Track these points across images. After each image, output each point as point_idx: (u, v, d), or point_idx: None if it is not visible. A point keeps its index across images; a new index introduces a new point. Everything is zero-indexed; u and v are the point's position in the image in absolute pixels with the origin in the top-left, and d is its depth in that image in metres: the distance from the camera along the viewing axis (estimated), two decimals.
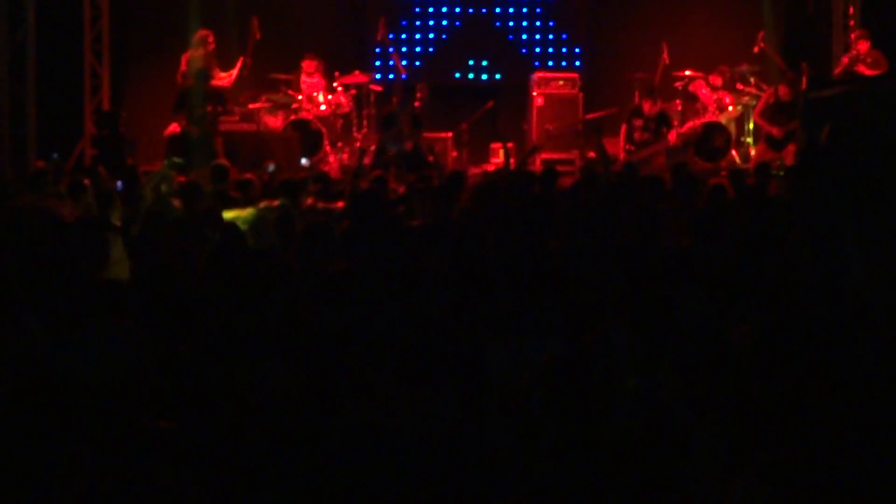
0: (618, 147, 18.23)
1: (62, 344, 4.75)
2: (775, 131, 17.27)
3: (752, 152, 18.04)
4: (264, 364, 5.83)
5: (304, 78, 18.40)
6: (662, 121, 18.12)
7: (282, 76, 18.52)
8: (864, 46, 17.70)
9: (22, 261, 6.94)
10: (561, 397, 5.05)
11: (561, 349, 5.89)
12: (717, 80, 18.50)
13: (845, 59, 18.01)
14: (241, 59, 18.03)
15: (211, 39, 17.87)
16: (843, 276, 6.87)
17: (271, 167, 16.17)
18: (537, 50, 20.85)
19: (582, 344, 6.03)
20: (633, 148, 17.93)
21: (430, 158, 17.22)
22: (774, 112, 17.39)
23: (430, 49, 20.74)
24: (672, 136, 17.94)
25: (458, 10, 20.70)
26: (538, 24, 20.87)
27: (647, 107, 18.05)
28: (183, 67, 17.71)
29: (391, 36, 19.57)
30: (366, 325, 6.52)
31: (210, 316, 6.41)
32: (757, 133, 18.25)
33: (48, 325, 5.87)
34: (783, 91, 17.35)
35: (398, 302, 6.99)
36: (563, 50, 20.84)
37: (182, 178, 13.93)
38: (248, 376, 5.62)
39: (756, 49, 18.72)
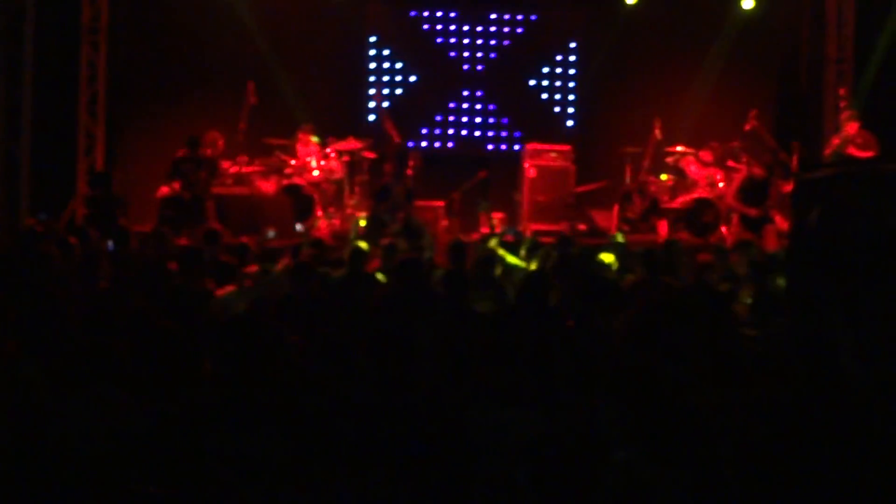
0: (610, 222, 18.41)
1: (58, 409, 4.75)
2: (752, 212, 17.30)
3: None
4: (256, 430, 5.82)
5: (299, 146, 18.49)
6: (654, 209, 18.27)
7: (276, 141, 18.59)
8: (852, 128, 17.79)
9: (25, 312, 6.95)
10: (549, 472, 5.05)
11: (546, 422, 5.89)
12: (708, 157, 18.58)
13: (836, 140, 18.11)
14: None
15: (221, 144, 17.96)
16: (833, 356, 6.89)
17: (271, 234, 16.18)
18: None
19: (569, 417, 6.02)
20: (627, 228, 18.02)
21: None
22: (749, 192, 17.40)
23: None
24: (663, 230, 18.05)
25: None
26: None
27: (637, 198, 18.29)
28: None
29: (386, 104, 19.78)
30: (353, 394, 6.52)
31: (204, 381, 6.41)
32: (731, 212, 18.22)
33: (49, 378, 5.85)
34: (757, 171, 17.42)
35: (383, 371, 6.98)
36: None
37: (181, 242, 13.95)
38: (239, 442, 5.62)
39: (747, 127, 18.80)
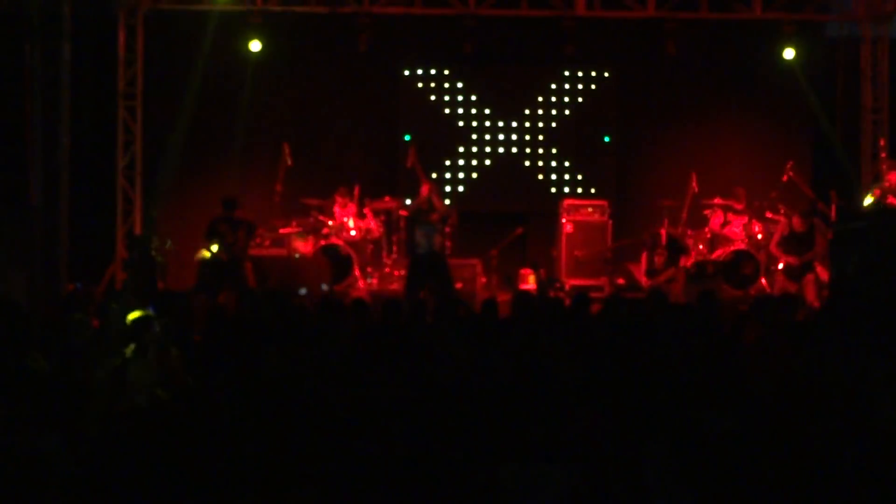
0: (640, 273, 18.41)
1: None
2: (793, 260, 17.28)
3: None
4: (288, 490, 5.79)
5: (336, 208, 18.53)
6: (676, 247, 18.23)
7: (313, 201, 18.65)
8: (894, 177, 17.68)
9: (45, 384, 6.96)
10: None
11: (582, 476, 5.83)
12: (738, 204, 18.58)
13: (877, 192, 17.96)
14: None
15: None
16: (871, 403, 6.82)
17: (303, 291, 16.21)
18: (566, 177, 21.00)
19: (612, 467, 5.97)
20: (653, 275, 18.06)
21: (459, 285, 17.28)
22: (790, 243, 17.41)
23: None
24: (686, 261, 18.02)
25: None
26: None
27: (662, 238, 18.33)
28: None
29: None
30: (385, 448, 6.48)
31: (232, 440, 6.38)
32: (770, 264, 18.19)
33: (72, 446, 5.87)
34: (797, 222, 17.38)
35: (415, 425, 6.95)
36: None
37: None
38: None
39: (785, 178, 18.77)
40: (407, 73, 20.87)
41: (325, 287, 17.18)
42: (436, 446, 6.35)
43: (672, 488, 5.67)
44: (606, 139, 21.04)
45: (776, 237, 17.70)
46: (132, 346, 9.62)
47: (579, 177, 20.97)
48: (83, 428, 6.21)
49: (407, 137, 20.12)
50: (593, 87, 21.11)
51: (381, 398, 7.18)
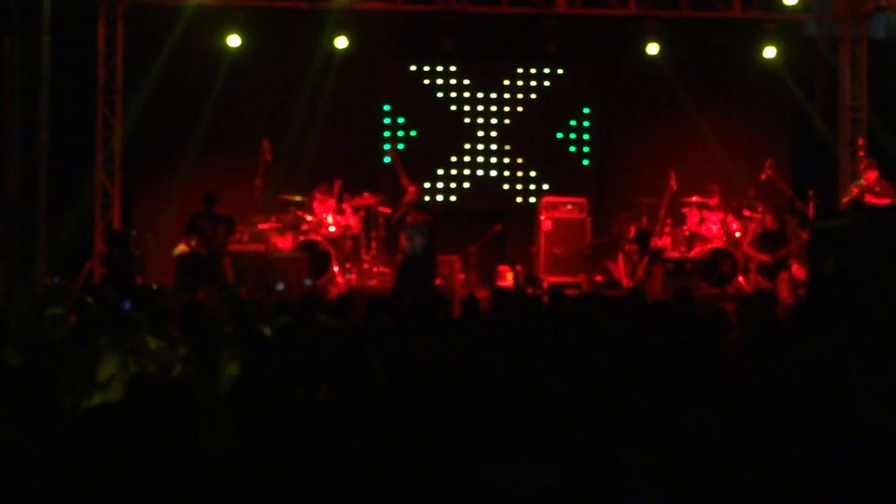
0: (620, 272, 18.47)
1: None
2: (765, 258, 17.38)
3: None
4: (263, 488, 5.78)
5: (316, 204, 18.51)
6: (643, 236, 18.36)
7: (292, 197, 18.62)
8: (872, 176, 17.72)
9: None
10: None
11: (560, 475, 5.83)
12: (713, 200, 18.64)
13: (855, 190, 18.02)
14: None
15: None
16: (850, 402, 6.84)
17: (280, 286, 16.18)
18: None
19: (585, 467, 5.96)
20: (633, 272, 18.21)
21: (438, 281, 17.28)
22: (763, 241, 17.52)
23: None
24: (656, 242, 18.17)
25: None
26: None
27: (630, 231, 18.46)
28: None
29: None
30: (363, 446, 6.47)
31: (210, 436, 6.37)
32: (748, 262, 18.26)
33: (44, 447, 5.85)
34: (768, 220, 17.50)
35: (391, 421, 6.94)
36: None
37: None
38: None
39: (763, 176, 18.81)
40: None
41: (307, 282, 17.16)
42: (413, 444, 6.35)
43: (650, 487, 5.67)
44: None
45: (749, 236, 17.83)
46: (104, 338, 9.59)
47: (555, 175, 21.04)
48: (57, 424, 6.18)
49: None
50: (571, 83, 21.20)
51: (359, 395, 7.16)
